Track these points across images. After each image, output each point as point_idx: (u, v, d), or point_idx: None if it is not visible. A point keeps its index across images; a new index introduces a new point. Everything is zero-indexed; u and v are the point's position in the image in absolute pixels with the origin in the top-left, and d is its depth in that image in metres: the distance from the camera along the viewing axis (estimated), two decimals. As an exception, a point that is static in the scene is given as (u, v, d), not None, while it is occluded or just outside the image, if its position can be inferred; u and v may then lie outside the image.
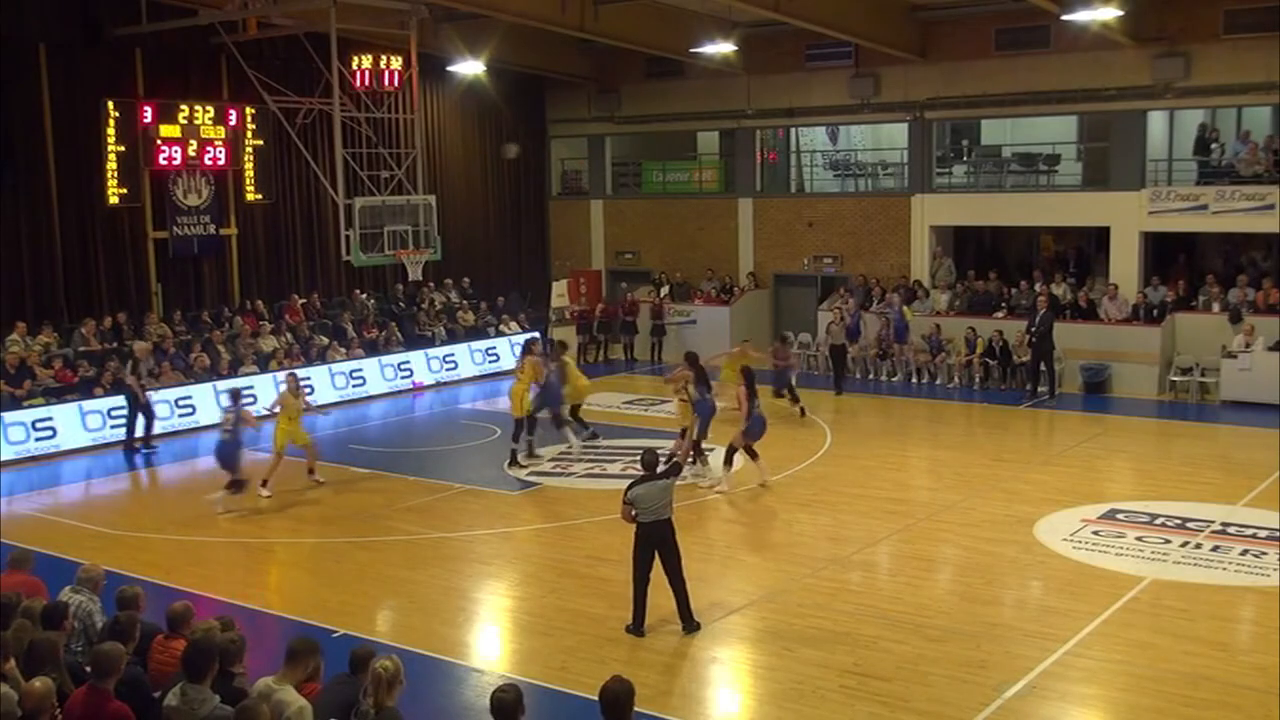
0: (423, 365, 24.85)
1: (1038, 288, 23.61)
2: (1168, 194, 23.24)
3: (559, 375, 18.19)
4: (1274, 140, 22.93)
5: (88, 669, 7.08)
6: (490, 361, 25.95)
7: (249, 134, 24.16)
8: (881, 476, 17.10)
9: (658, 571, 11.05)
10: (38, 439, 18.96)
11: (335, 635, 10.88)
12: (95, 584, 8.69)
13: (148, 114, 22.50)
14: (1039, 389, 22.10)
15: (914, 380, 24.07)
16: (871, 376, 24.48)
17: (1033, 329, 22.08)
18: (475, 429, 20.46)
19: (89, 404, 19.58)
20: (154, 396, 19.78)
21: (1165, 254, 24.83)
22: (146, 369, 19.85)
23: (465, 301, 27.52)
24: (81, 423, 19.46)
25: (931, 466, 18.24)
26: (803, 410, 20.70)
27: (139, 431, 19.36)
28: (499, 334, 26.70)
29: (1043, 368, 22.17)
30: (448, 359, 25.37)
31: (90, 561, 9.39)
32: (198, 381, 21.13)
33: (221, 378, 21.50)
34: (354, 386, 23.44)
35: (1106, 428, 19.96)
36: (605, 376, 25.26)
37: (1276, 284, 22.57)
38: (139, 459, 18.96)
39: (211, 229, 23.83)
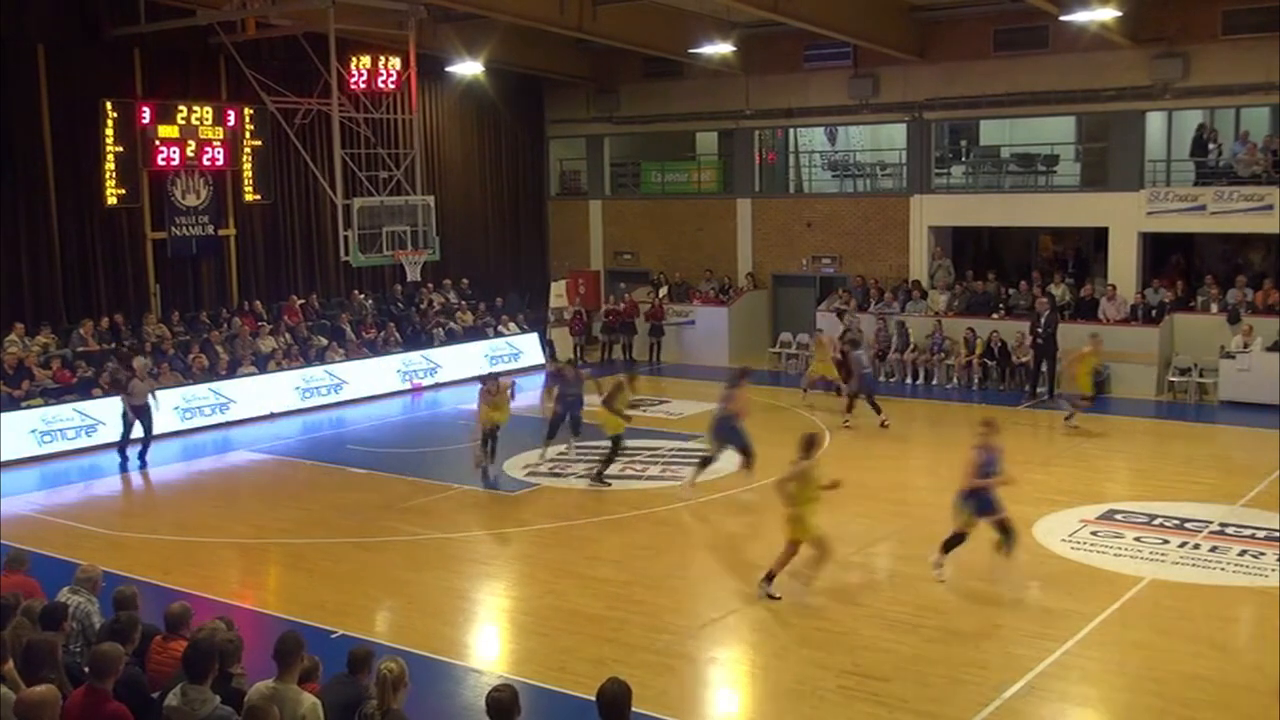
0: (422, 365, 24.82)
1: (1035, 290, 23.60)
2: (1166, 194, 23.25)
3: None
4: (1273, 140, 22.91)
5: (86, 669, 7.07)
6: (492, 362, 25.94)
7: (247, 134, 24.15)
8: (880, 477, 17.09)
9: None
10: (36, 440, 18.92)
11: (334, 636, 10.89)
12: (94, 584, 8.68)
13: (146, 114, 22.49)
14: (1038, 389, 22.09)
15: (912, 380, 24.05)
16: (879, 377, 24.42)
17: (1039, 330, 21.97)
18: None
19: (87, 405, 19.55)
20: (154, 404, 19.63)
21: (1163, 254, 24.84)
22: (147, 386, 18.60)
23: (464, 302, 27.51)
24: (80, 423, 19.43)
25: (930, 466, 18.22)
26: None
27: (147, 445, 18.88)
28: (498, 334, 26.70)
29: (1044, 368, 22.16)
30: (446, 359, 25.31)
31: (88, 562, 9.37)
32: (196, 382, 21.12)
33: (220, 378, 21.51)
34: (353, 387, 23.39)
35: (1105, 428, 19.95)
36: (604, 377, 25.19)
37: (1275, 284, 22.59)
38: (131, 464, 18.63)
39: (210, 229, 23.83)
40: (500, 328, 26.90)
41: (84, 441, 19.37)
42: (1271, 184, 22.07)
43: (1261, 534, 13.74)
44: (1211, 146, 23.72)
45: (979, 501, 12.00)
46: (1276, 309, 21.97)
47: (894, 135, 27.35)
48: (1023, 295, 23.96)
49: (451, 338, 25.94)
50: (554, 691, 9.86)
